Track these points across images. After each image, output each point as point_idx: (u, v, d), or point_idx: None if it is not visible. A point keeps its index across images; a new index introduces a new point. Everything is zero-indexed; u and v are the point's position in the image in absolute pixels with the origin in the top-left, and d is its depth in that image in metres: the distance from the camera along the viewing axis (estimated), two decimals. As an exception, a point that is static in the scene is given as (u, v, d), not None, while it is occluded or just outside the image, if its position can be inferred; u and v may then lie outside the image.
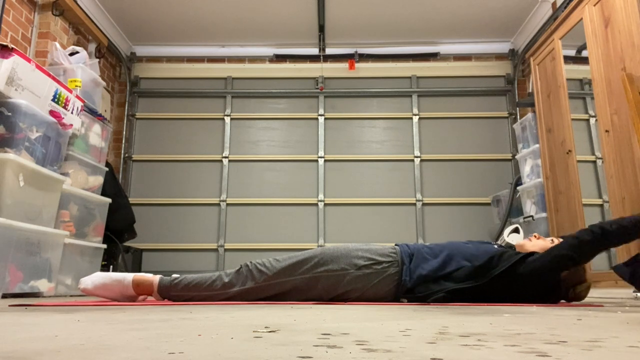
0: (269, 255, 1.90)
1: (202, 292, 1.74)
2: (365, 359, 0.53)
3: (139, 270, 4.04)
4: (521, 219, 3.79)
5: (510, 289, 1.78)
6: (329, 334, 0.75)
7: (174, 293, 1.74)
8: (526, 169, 3.87)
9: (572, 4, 3.12)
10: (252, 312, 1.22)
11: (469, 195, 4.46)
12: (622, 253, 2.52)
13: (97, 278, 1.75)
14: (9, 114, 2.35)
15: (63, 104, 2.75)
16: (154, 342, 0.66)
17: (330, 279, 1.74)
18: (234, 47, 4.80)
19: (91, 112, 3.19)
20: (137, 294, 1.76)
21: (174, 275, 1.78)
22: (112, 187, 3.50)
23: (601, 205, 3.05)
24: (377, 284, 1.76)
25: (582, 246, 1.72)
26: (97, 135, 3.26)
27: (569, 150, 3.17)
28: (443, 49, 4.75)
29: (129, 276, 1.76)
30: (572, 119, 3.20)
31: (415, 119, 4.65)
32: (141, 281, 1.75)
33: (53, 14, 3.50)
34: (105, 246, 3.25)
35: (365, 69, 4.75)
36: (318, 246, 4.33)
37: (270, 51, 4.79)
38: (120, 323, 0.93)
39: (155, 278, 1.77)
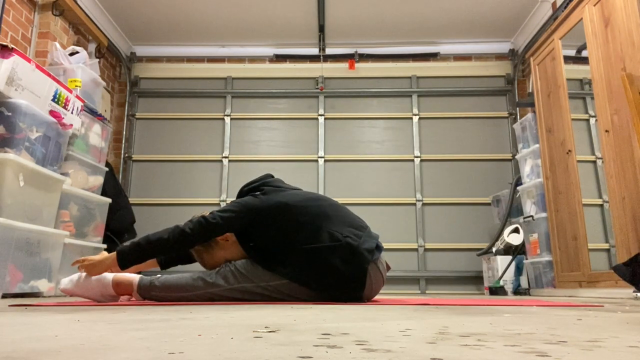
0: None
1: (184, 292, 1.72)
2: (365, 359, 0.53)
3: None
4: (521, 219, 3.80)
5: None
6: (329, 334, 0.75)
7: (155, 293, 1.72)
8: (526, 169, 3.87)
9: (572, 4, 3.12)
10: (252, 312, 1.22)
11: (469, 195, 4.47)
12: (622, 253, 2.53)
13: (77, 278, 1.74)
14: (9, 114, 2.35)
15: (63, 104, 2.75)
16: (154, 342, 0.66)
17: (290, 287, 1.74)
18: (234, 47, 4.80)
19: (91, 112, 3.19)
20: (117, 294, 1.75)
21: (157, 276, 1.77)
22: (112, 187, 3.51)
23: (601, 205, 3.05)
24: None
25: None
26: (97, 135, 3.26)
27: (569, 150, 3.17)
28: (443, 49, 4.75)
29: (109, 276, 1.74)
30: (572, 119, 3.20)
31: (415, 119, 4.65)
32: (121, 281, 1.74)
33: (53, 14, 3.49)
34: (105, 246, 3.25)
35: (365, 69, 4.75)
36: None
37: (270, 51, 4.79)
38: (120, 323, 0.93)
39: (135, 278, 1.75)
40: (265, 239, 1.80)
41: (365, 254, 1.73)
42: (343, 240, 1.73)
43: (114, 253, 1.73)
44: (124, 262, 1.70)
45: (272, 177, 1.99)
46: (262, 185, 1.90)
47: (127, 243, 1.76)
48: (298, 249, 1.74)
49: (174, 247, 1.71)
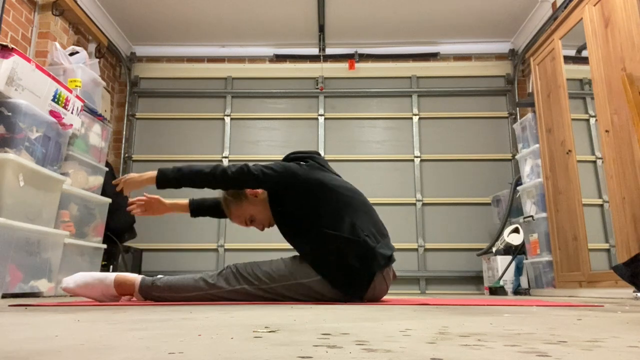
0: (269, 255, 1.90)
1: (185, 293, 1.73)
2: (365, 359, 0.53)
3: (139, 271, 4.04)
4: (521, 219, 3.80)
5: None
6: (329, 334, 0.75)
7: (156, 294, 1.73)
8: (526, 169, 3.87)
9: (572, 4, 3.12)
10: (252, 312, 1.22)
11: (469, 195, 4.47)
12: (622, 253, 2.53)
13: (79, 277, 1.74)
14: (9, 114, 2.35)
15: (63, 104, 2.75)
16: (154, 342, 0.66)
17: (302, 287, 1.75)
18: (234, 47, 4.80)
19: (91, 112, 3.19)
20: (119, 294, 1.75)
21: (158, 276, 1.78)
22: (112, 187, 3.50)
23: (601, 205, 3.05)
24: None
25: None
26: (97, 135, 3.26)
27: (569, 150, 3.17)
28: (443, 49, 4.75)
29: (110, 276, 1.75)
30: (572, 119, 3.20)
31: (415, 119, 4.65)
32: (123, 281, 1.74)
33: (53, 14, 3.50)
34: (105, 246, 3.25)
35: (365, 69, 4.75)
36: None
37: (270, 51, 4.79)
38: (120, 323, 0.93)
39: (137, 278, 1.75)
40: (294, 208, 1.82)
41: (378, 259, 1.74)
42: (362, 237, 1.74)
43: (154, 171, 1.76)
44: (163, 181, 1.74)
45: (320, 155, 2.01)
46: (308, 158, 1.92)
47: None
48: (318, 230, 1.76)
49: (210, 182, 1.74)
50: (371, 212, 1.89)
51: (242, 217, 1.91)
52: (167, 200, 2.08)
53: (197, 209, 2.08)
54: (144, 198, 2.05)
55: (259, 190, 1.86)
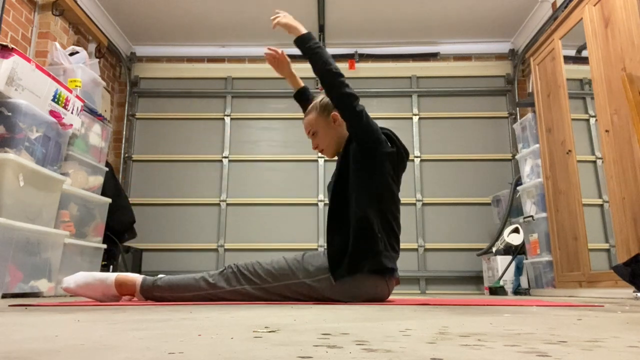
0: (269, 255, 1.90)
1: (186, 292, 1.73)
2: (365, 359, 0.53)
3: (139, 271, 4.04)
4: (521, 219, 3.80)
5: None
6: (329, 334, 0.75)
7: (157, 294, 1.73)
8: (526, 169, 3.87)
9: (572, 4, 3.12)
10: (252, 312, 1.22)
11: (469, 195, 4.47)
12: (622, 253, 2.53)
13: (80, 277, 1.74)
14: (9, 114, 2.35)
15: (63, 104, 2.75)
16: (154, 342, 0.66)
17: (304, 287, 1.75)
18: (234, 47, 4.80)
19: (91, 112, 3.19)
20: (120, 294, 1.76)
21: (160, 276, 1.78)
22: (112, 187, 3.50)
23: (601, 205, 3.05)
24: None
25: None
26: (97, 135, 3.26)
27: (569, 150, 3.17)
28: (443, 49, 4.75)
29: (111, 276, 1.75)
30: (572, 119, 3.20)
31: (415, 119, 4.65)
32: (124, 281, 1.74)
33: (53, 14, 3.50)
34: (105, 246, 3.25)
35: (365, 69, 4.75)
36: (318, 247, 4.33)
37: (270, 51, 4.79)
38: (120, 323, 0.93)
39: (138, 278, 1.75)
40: (353, 167, 1.85)
41: (373, 262, 1.75)
42: (376, 233, 1.77)
43: (304, 30, 1.92)
44: (302, 42, 1.92)
45: (408, 154, 2.05)
46: (398, 147, 1.96)
47: None
48: (349, 203, 1.81)
49: (326, 77, 1.84)
50: (397, 226, 1.92)
51: (311, 126, 2.05)
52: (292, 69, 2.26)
53: (302, 93, 2.36)
54: (280, 51, 2.23)
55: (340, 120, 1.94)
